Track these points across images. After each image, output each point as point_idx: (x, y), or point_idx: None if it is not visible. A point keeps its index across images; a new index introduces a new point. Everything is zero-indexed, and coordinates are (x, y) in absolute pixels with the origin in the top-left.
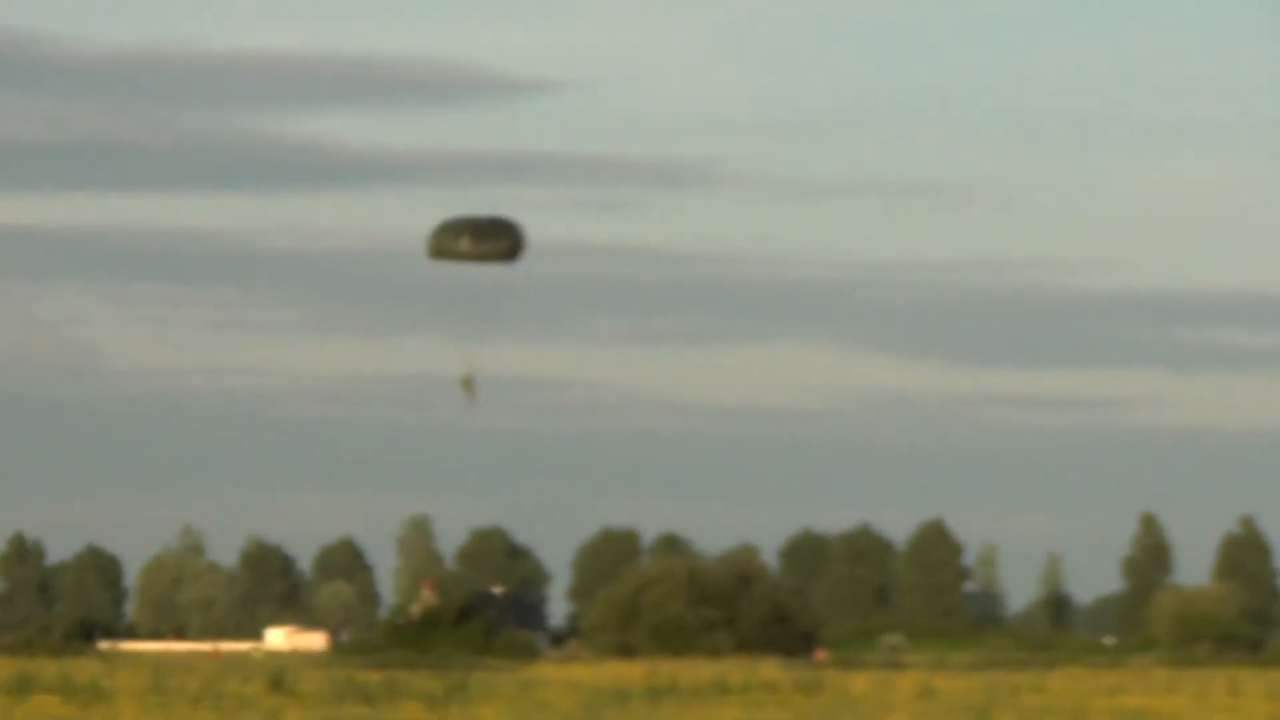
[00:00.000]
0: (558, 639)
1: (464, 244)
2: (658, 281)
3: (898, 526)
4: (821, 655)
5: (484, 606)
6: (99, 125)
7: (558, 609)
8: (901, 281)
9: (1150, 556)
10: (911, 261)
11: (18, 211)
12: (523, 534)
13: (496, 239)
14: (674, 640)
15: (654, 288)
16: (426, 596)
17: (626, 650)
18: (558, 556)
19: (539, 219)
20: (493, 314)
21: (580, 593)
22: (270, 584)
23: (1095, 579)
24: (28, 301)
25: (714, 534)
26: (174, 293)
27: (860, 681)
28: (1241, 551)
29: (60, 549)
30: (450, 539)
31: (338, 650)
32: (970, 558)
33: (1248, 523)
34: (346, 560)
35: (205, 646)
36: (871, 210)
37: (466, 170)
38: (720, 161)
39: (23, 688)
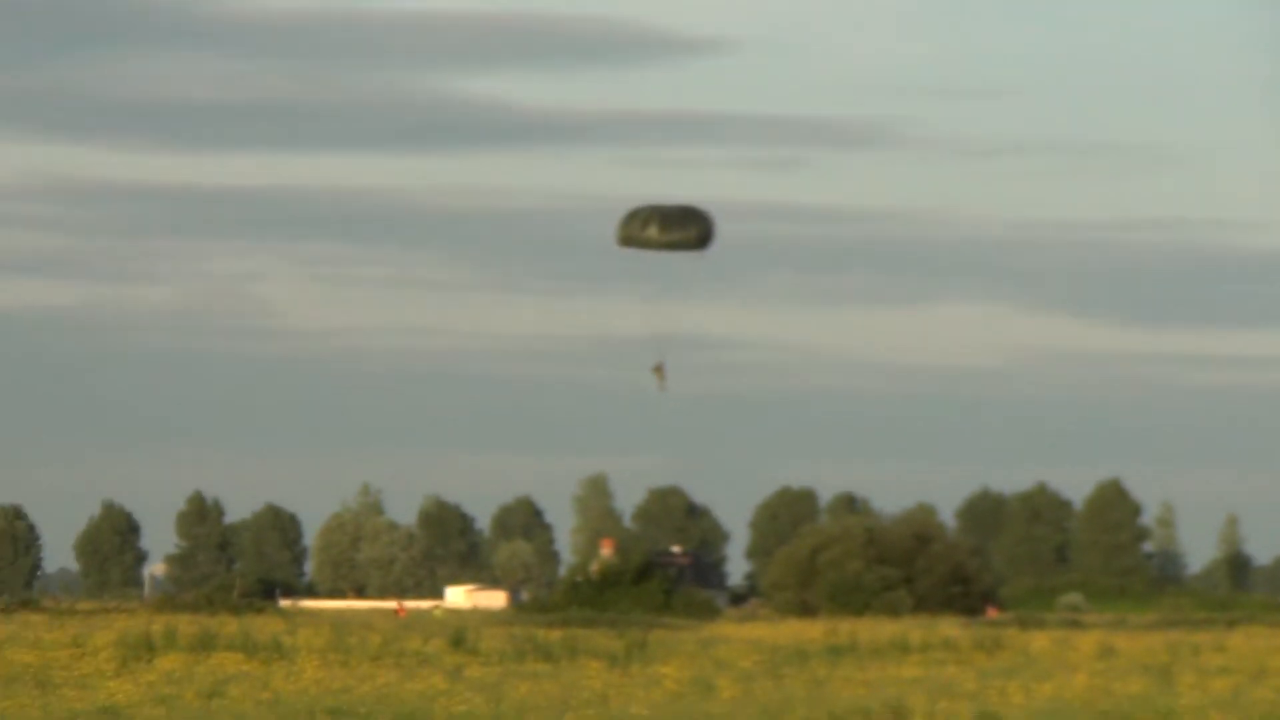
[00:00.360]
0: (737, 598)
1: (652, 232)
2: (833, 240)
3: (1075, 485)
4: (994, 614)
5: (663, 565)
6: (272, 85)
7: (736, 568)
8: (1078, 241)
9: None
10: (1087, 221)
11: (194, 171)
12: (701, 493)
13: (685, 227)
14: (853, 599)
15: (829, 247)
16: (606, 555)
17: (805, 609)
18: (736, 515)
19: (712, 178)
20: (683, 302)
21: (758, 552)
22: (449, 543)
23: (1274, 538)
24: (205, 260)
25: (891, 493)
26: (349, 252)
27: (1040, 640)
28: None
29: (239, 508)
30: (628, 498)
31: (517, 609)
32: (1148, 517)
33: None
34: (525, 519)
35: (389, 604)
36: (1046, 169)
37: (640, 130)
38: (895, 121)
39: (205, 645)
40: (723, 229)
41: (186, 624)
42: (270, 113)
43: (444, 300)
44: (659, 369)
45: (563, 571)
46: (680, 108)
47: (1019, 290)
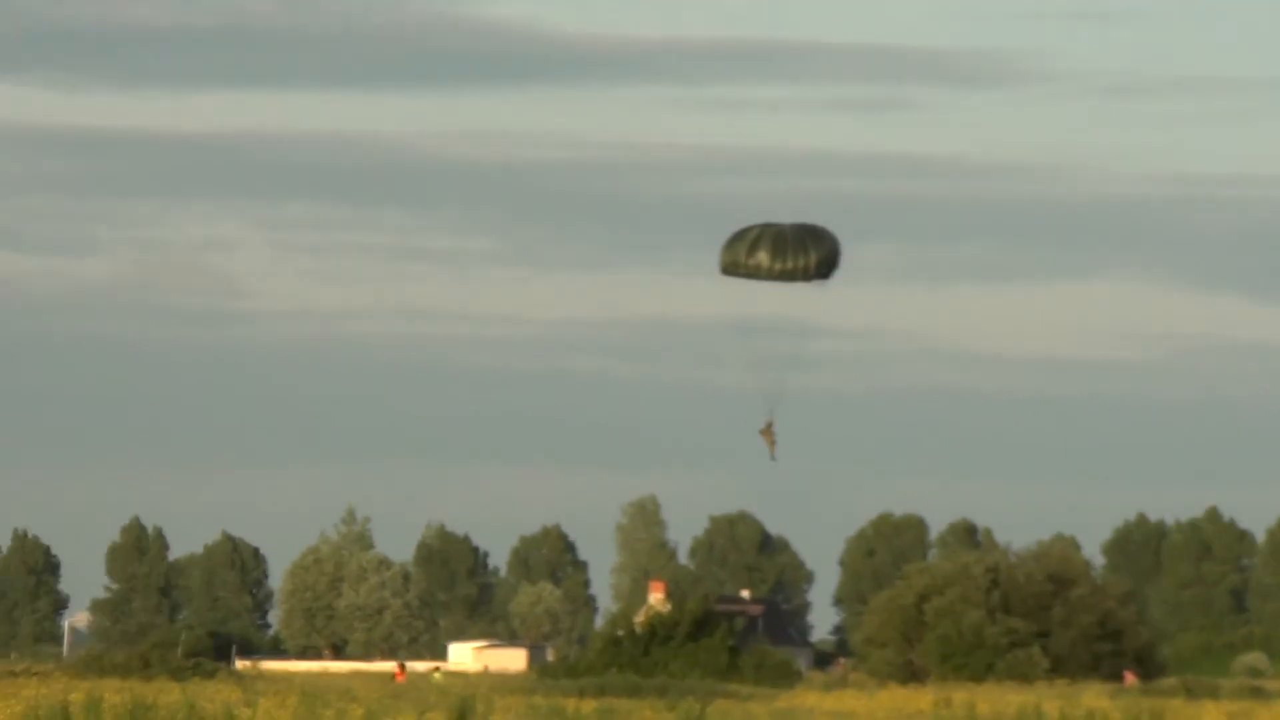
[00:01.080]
0: (822, 657)
1: (762, 259)
2: (945, 201)
3: (1256, 512)
4: (1130, 681)
5: (728, 615)
6: (246, 7)
7: (822, 619)
8: (1252, 200)
9: None
10: (1264, 175)
11: (146, 113)
12: (777, 521)
13: (803, 252)
14: (971, 660)
15: (941, 209)
16: (655, 602)
17: (910, 672)
18: (822, 550)
19: (796, 123)
20: (797, 350)
21: (850, 598)
22: (454, 586)
23: None
24: (155, 225)
25: (1021, 522)
26: (338, 215)
27: (1212, 712)
28: None
29: (188, 540)
30: (685, 528)
31: (541, 671)
32: None
33: None
34: (553, 555)
35: (380, 666)
36: (1213, 111)
37: (706, 62)
38: (1022, 52)
39: (138, 719)
40: (807, 187)
41: (115, 692)
42: (242, 41)
43: (457, 276)
44: (768, 431)
45: (600, 623)
46: (756, 36)
47: (1179, 263)
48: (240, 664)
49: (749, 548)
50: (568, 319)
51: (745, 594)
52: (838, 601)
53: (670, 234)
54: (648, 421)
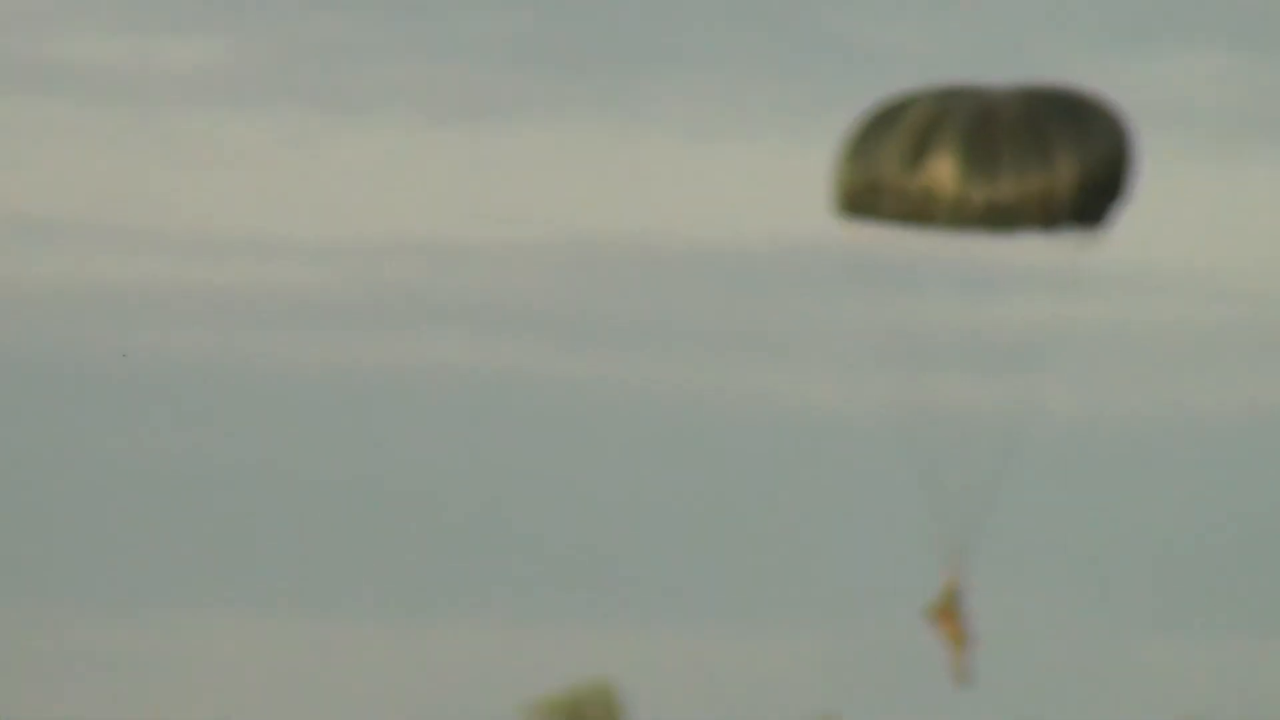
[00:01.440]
0: None
1: (941, 176)
2: None
3: None
4: None
5: None
6: None
7: None
8: None
9: None
10: None
11: None
12: None
13: (1039, 161)
14: None
15: None
16: None
17: None
18: None
19: None
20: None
21: None
22: None
23: None
24: None
25: None
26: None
27: None
28: None
29: None
30: None
31: None
32: None
33: None
34: None
35: None
36: None
37: None
38: None
39: None
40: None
41: None
42: None
43: (147, 134)
44: (948, 609)
45: None
46: None
47: None
48: None
49: None
50: (415, 241)
51: None
52: None
53: (667, 41)
54: (608, 495)
